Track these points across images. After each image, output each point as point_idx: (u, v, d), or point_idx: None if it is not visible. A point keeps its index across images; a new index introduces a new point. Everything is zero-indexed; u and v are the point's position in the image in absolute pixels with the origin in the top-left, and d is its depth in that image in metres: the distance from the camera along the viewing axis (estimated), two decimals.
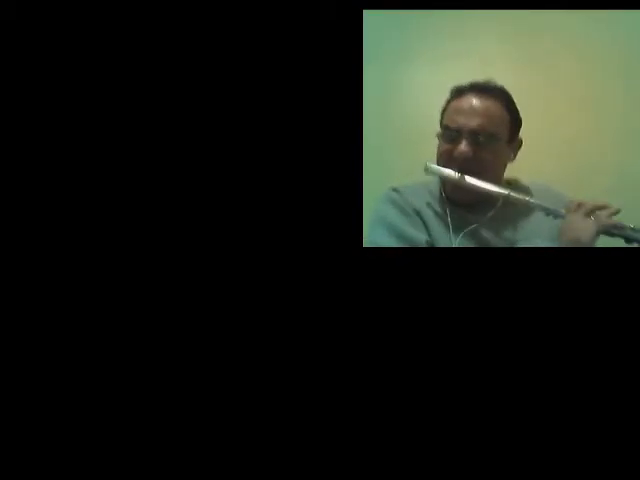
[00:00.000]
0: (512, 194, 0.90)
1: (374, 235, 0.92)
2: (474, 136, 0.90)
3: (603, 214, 0.82)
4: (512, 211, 0.95)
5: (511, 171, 1.01)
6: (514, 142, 0.97)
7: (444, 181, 0.96)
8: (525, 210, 0.96)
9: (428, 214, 0.93)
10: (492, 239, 0.92)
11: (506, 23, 1.39)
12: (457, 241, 0.89)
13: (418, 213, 0.93)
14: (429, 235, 0.90)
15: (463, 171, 0.91)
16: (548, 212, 0.89)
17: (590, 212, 0.83)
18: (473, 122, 0.90)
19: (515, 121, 0.95)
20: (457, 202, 0.95)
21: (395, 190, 0.97)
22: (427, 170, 0.94)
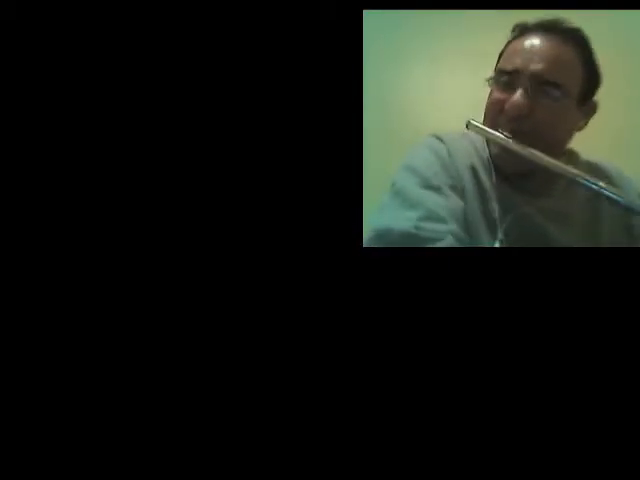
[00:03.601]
0: (582, 177, 0.67)
1: (404, 181, 0.74)
2: (535, 84, 0.70)
3: None
4: (577, 195, 0.74)
5: None
6: (586, 104, 0.75)
7: (490, 142, 0.75)
8: (593, 196, 0.73)
9: (471, 182, 0.72)
10: (546, 229, 0.71)
11: (506, 23, 1.39)
12: (502, 229, 0.69)
13: (461, 177, 0.72)
14: (466, 209, 0.70)
15: (514, 131, 0.71)
16: (634, 211, 0.66)
17: None
18: (535, 65, 0.70)
19: (591, 76, 0.74)
20: (505, 170, 0.73)
21: (439, 139, 0.77)
22: (470, 127, 0.74)
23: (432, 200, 0.69)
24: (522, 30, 0.76)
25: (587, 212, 0.75)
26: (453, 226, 0.67)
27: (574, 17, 1.33)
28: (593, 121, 1.38)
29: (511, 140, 0.70)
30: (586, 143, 1.37)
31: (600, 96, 1.39)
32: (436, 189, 0.70)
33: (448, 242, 0.66)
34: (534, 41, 0.73)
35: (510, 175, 0.73)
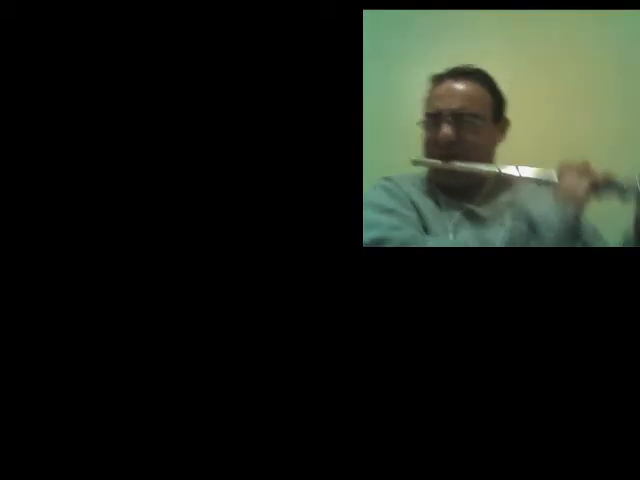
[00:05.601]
0: (501, 169, 0.88)
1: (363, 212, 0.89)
2: (455, 118, 0.89)
3: (595, 171, 0.80)
4: (505, 189, 0.94)
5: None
6: (500, 122, 0.96)
7: (433, 169, 0.94)
8: (518, 187, 0.92)
9: (419, 199, 0.92)
10: (487, 218, 0.90)
11: (506, 23, 1.39)
12: (452, 223, 0.88)
13: (409, 196, 0.91)
14: (421, 218, 0.89)
15: (449, 156, 0.90)
16: (539, 181, 0.85)
17: (582, 170, 0.80)
18: (453, 104, 0.90)
19: (498, 100, 0.95)
20: (449, 188, 0.94)
21: (387, 179, 0.96)
22: (414, 163, 0.94)
23: (388, 219, 0.86)
24: (438, 79, 0.95)
25: (509, 196, 0.93)
26: (409, 230, 0.85)
27: (575, 17, 1.34)
28: (591, 122, 1.39)
29: (446, 162, 0.90)
30: (586, 143, 1.38)
31: (599, 96, 1.40)
32: (390, 211, 0.88)
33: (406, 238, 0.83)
34: (448, 86, 0.92)
35: (449, 190, 0.94)
